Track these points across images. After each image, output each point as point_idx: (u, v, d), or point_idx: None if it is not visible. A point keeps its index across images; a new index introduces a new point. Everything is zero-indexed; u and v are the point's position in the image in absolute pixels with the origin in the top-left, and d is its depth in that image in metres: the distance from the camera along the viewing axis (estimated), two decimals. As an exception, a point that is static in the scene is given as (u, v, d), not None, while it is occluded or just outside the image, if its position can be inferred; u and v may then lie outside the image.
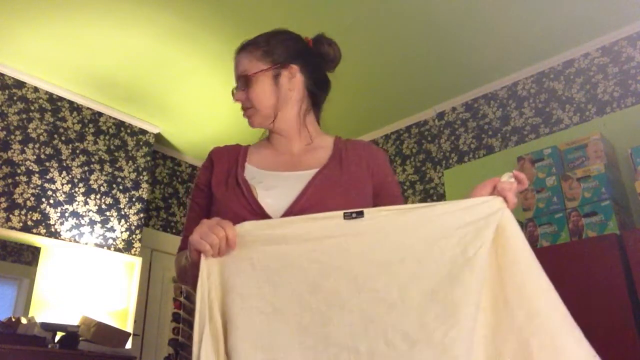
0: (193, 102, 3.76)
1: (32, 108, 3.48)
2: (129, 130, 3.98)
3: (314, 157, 1.26)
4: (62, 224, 3.41)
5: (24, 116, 3.42)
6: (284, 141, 1.30)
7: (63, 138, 3.58)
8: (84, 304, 3.27)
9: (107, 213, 3.68)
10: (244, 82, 1.26)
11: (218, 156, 1.30)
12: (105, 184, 3.73)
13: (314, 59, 1.30)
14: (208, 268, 0.99)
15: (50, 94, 3.59)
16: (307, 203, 1.13)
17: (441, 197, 3.64)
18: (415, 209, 1.04)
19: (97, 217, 3.62)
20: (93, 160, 3.71)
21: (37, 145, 3.44)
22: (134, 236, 3.79)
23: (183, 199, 4.48)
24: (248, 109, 1.29)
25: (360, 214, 1.02)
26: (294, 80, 1.26)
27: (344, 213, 1.02)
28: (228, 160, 1.28)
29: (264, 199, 1.14)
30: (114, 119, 3.91)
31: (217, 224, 1.00)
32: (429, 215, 1.04)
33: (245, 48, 1.29)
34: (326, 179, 1.19)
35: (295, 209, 1.12)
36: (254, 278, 0.98)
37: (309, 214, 1.05)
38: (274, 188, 1.17)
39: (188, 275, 1.14)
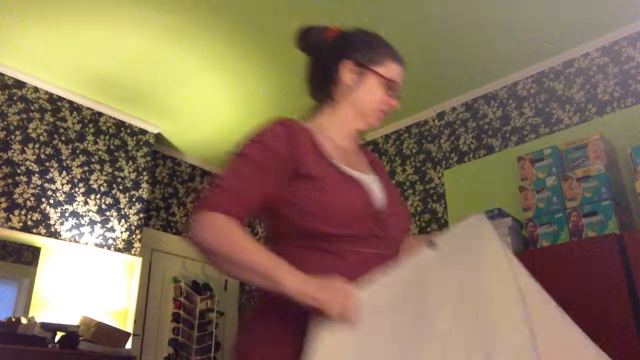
0: (193, 102, 3.76)
1: (32, 108, 3.48)
2: (129, 130, 3.98)
3: (360, 159, 1.31)
4: (62, 224, 3.41)
5: (24, 116, 3.42)
6: (349, 137, 1.29)
7: (63, 138, 3.58)
8: (84, 304, 3.27)
9: (107, 213, 3.68)
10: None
11: (297, 130, 1.17)
12: (105, 184, 3.73)
13: None
14: (338, 345, 0.90)
15: (50, 94, 3.59)
16: (394, 208, 1.20)
17: (441, 197, 3.64)
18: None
19: (97, 217, 3.62)
20: (93, 160, 3.71)
21: (37, 145, 3.44)
22: (134, 236, 3.79)
23: (183, 199, 4.48)
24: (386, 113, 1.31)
25: (434, 244, 1.10)
26: None
27: (426, 242, 1.09)
28: (304, 138, 1.16)
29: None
30: (114, 119, 3.91)
31: (347, 291, 0.95)
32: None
33: None
34: (387, 186, 1.26)
35: (386, 213, 1.16)
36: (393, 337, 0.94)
37: (409, 256, 1.08)
38: (372, 190, 1.21)
39: (246, 276, 1.02)
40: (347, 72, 1.25)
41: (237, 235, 1.04)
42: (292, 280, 0.96)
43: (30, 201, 3.31)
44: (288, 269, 0.98)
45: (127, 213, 3.79)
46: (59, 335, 2.90)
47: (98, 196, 3.67)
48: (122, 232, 3.72)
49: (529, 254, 2.60)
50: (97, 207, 3.63)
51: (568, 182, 2.68)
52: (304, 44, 1.33)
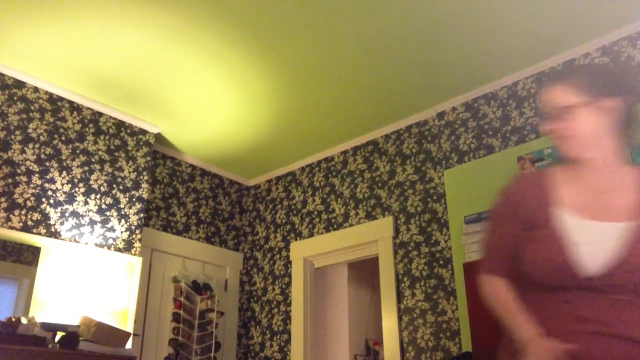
0: (193, 102, 3.76)
1: (32, 108, 3.48)
2: (129, 130, 3.98)
3: (621, 200, 1.20)
4: (62, 224, 3.41)
5: (24, 116, 3.42)
6: (589, 175, 1.26)
7: (63, 138, 3.58)
8: (84, 304, 3.27)
9: (107, 213, 3.69)
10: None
11: (521, 195, 1.38)
12: (105, 184, 3.73)
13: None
14: None
15: (50, 94, 3.59)
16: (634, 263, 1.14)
17: (441, 197, 3.64)
18: None
19: (97, 217, 3.62)
20: (93, 160, 3.71)
21: (37, 145, 3.44)
22: (134, 236, 3.79)
23: (183, 199, 4.48)
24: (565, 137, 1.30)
25: None
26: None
27: None
28: (532, 196, 1.35)
29: (579, 254, 1.17)
30: (114, 119, 3.91)
31: None
32: None
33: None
34: None
35: (618, 271, 1.14)
36: None
37: None
38: (589, 244, 1.16)
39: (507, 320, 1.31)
40: None
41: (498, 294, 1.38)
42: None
43: (30, 201, 3.31)
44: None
45: (127, 213, 3.80)
46: (59, 335, 2.90)
47: (98, 196, 3.67)
48: (122, 232, 3.72)
49: (529, 254, 2.59)
50: (97, 207, 3.64)
51: (568, 182, 2.67)
52: None
